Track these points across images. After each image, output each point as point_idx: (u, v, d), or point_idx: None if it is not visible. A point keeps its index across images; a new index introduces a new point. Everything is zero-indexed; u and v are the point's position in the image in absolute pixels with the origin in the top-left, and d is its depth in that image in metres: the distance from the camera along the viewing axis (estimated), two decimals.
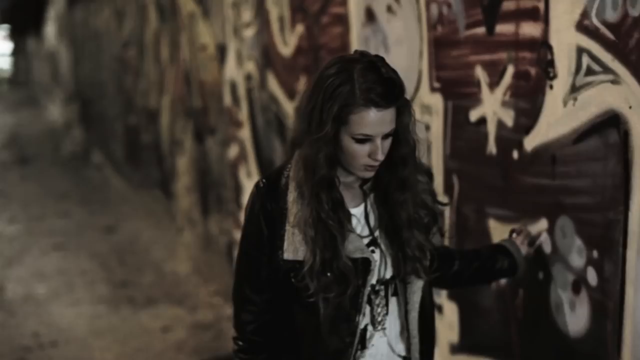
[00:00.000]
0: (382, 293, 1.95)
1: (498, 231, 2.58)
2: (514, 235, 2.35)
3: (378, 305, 1.95)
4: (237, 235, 5.22)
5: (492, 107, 2.53)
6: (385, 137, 1.80)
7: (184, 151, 6.83)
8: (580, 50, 2.12)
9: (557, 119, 2.25)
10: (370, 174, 1.86)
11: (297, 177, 1.88)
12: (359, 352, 1.95)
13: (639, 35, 1.92)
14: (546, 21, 2.25)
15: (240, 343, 2.02)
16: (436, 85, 2.82)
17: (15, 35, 32.74)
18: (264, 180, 1.95)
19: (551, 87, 2.26)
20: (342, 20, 3.49)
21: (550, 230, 2.33)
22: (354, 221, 1.91)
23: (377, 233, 1.93)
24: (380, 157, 1.80)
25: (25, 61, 30.26)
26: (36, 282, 6.28)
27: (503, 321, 2.64)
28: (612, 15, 2.00)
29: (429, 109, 2.84)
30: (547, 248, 2.35)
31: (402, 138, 1.84)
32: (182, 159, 6.94)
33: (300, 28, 3.98)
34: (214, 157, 5.92)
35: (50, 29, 18.89)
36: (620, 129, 2.01)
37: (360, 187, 1.94)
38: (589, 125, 2.13)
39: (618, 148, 2.03)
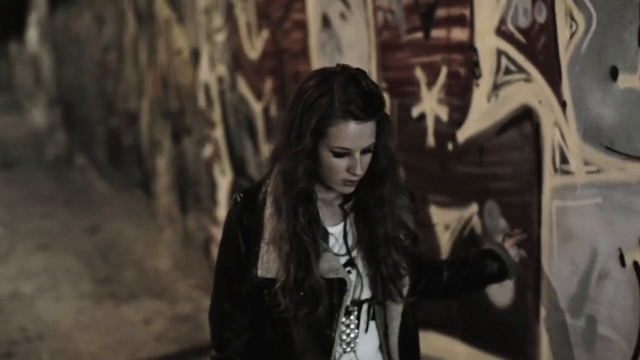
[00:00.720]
0: (355, 314, 1.91)
1: (438, 217, 2.85)
2: (504, 238, 2.37)
3: (348, 326, 1.90)
4: (214, 230, 5.47)
5: (430, 104, 2.81)
6: (364, 151, 1.75)
7: (163, 152, 7.03)
8: (500, 52, 2.41)
9: (483, 113, 2.53)
10: (349, 190, 1.81)
11: (276, 190, 1.84)
12: None
13: (544, 39, 2.20)
14: (472, 26, 2.53)
15: None
16: (383, 85, 3.09)
17: None
18: (241, 195, 1.90)
19: (477, 85, 2.54)
20: (302, 26, 3.75)
21: (480, 213, 2.61)
22: (331, 240, 1.86)
23: (354, 253, 1.88)
24: (359, 171, 1.75)
25: (8, 66, 30.26)
26: (22, 280, 6.48)
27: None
28: (523, 22, 2.28)
29: None
30: (479, 230, 2.63)
31: (381, 153, 1.80)
32: (162, 160, 7.14)
33: (265, 33, 4.23)
34: (190, 156, 6.13)
35: (32, 34, 18.99)
36: (533, 121, 2.30)
37: (341, 205, 1.89)
38: (508, 119, 2.41)
39: (531, 138, 2.31)
